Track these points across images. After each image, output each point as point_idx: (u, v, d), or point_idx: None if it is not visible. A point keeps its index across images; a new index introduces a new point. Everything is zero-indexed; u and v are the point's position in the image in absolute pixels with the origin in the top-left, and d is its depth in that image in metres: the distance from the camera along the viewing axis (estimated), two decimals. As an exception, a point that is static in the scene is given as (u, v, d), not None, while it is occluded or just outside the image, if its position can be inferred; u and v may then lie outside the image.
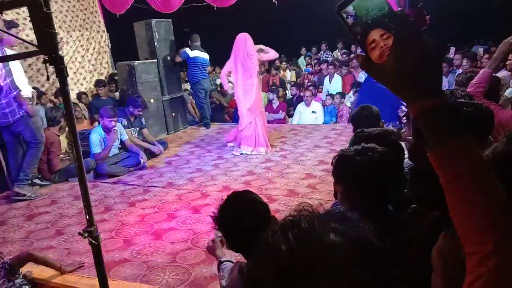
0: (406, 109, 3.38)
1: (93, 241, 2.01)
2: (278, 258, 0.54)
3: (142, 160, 5.67)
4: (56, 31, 1.82)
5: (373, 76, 0.73)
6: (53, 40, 1.77)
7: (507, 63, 4.66)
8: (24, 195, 4.72)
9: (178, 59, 7.73)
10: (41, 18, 1.73)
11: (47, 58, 1.78)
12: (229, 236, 1.75)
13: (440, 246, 1.20)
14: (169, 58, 7.79)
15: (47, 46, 1.76)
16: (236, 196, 1.82)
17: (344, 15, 0.71)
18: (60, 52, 1.82)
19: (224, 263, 1.99)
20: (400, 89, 0.69)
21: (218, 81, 10.30)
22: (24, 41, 2.53)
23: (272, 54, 6.29)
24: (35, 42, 1.85)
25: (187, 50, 7.61)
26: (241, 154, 6.02)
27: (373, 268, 0.55)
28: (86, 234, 1.99)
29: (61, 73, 1.82)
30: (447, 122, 0.66)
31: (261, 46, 6.08)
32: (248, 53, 5.84)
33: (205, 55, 7.76)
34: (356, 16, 0.71)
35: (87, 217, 2.04)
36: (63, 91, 1.87)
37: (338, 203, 1.72)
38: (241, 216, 1.69)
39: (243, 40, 5.85)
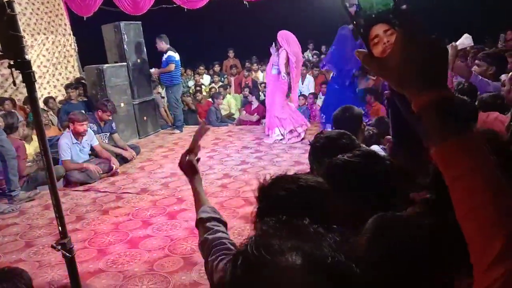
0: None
1: (67, 254, 1.92)
2: (225, 284, 0.57)
3: (114, 166, 5.52)
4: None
5: (374, 70, 0.71)
6: (19, 44, 1.67)
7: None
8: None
9: (172, 66, 7.39)
10: (5, 20, 1.63)
11: (12, 63, 1.69)
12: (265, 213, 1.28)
13: None
14: (138, 61, 7.61)
15: (13, 50, 1.67)
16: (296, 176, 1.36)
17: (347, 4, 0.71)
18: (26, 56, 1.73)
19: (212, 224, 1.49)
20: (406, 82, 0.66)
21: (190, 83, 10.16)
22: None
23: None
24: (-1, 46, 1.76)
25: (171, 53, 7.41)
26: (280, 139, 6.48)
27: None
28: (59, 247, 1.90)
29: (28, 78, 1.72)
30: (456, 114, 0.63)
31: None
32: (299, 47, 6.45)
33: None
34: (360, 7, 0.70)
35: (60, 228, 1.94)
36: (31, 97, 1.77)
37: None
38: (293, 194, 1.25)
39: (291, 35, 6.29)
